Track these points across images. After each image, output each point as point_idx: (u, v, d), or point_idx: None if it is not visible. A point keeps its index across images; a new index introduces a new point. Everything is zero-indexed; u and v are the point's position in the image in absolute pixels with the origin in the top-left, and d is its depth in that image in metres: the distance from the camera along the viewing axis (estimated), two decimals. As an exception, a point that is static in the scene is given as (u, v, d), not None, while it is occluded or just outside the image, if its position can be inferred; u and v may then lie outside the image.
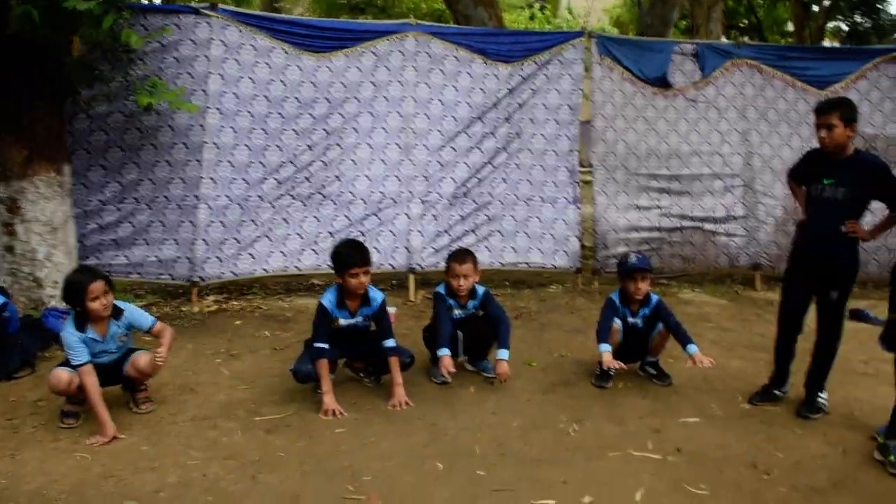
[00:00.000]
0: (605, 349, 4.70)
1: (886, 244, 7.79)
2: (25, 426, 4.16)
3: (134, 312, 4.30)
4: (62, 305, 5.90)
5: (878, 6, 12.72)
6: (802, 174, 4.64)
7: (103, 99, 6.53)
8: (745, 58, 8.11)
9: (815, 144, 4.45)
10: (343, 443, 3.98)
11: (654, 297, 4.97)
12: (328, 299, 4.52)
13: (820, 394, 4.54)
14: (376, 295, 4.65)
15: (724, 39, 18.08)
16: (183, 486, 3.49)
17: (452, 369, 4.60)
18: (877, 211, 4.74)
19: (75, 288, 4.04)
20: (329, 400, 4.34)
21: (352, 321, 4.62)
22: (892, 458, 3.77)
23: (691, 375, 5.05)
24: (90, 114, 6.55)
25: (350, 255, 4.43)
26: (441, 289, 4.97)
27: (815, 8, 14.38)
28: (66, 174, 6.08)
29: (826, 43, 15.68)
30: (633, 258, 4.91)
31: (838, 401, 4.68)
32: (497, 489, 3.50)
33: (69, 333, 4.05)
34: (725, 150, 8.06)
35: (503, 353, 4.72)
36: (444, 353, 4.63)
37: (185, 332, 5.97)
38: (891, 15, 13.28)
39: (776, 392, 4.71)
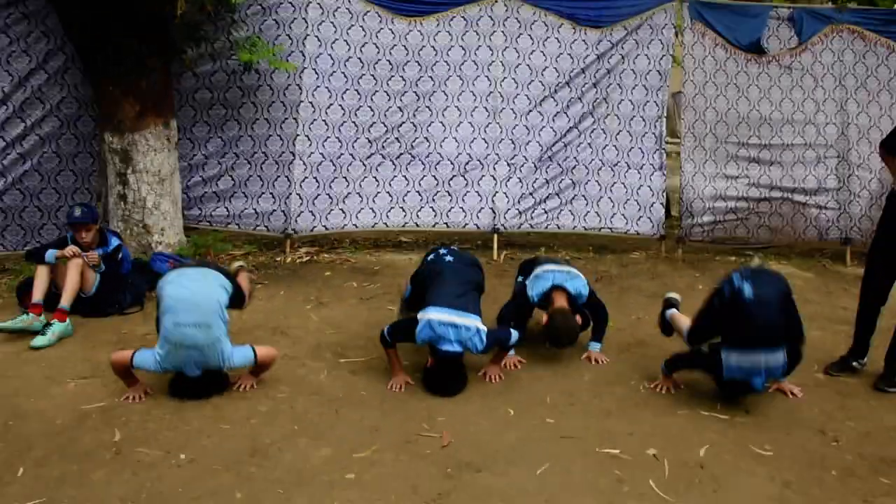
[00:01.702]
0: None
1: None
2: (136, 356, 4.59)
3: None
4: (168, 250, 6.38)
5: None
6: (898, 143, 4.55)
7: (208, 58, 6.91)
8: (846, 23, 7.84)
9: None
10: (422, 387, 4.23)
11: None
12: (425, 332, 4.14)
13: (900, 369, 4.51)
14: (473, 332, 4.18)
15: (830, 5, 17.27)
16: (271, 415, 3.82)
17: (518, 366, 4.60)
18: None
19: None
20: (398, 378, 4.29)
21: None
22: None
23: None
24: (196, 73, 6.95)
25: None
26: (534, 293, 4.74)
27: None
28: (173, 128, 6.50)
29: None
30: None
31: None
32: (564, 436, 3.69)
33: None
34: (820, 119, 7.84)
35: (594, 346, 4.82)
36: (511, 354, 4.59)
37: (280, 280, 6.35)
38: None
39: (854, 364, 4.68)
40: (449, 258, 4.62)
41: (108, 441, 3.53)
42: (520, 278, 5.09)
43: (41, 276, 5.07)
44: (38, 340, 4.72)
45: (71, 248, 5.11)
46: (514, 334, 4.38)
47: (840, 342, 5.07)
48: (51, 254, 5.11)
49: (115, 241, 5.50)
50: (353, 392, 4.15)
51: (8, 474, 3.22)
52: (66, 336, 4.89)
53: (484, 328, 4.18)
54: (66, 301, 4.97)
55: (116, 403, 3.92)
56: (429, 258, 4.76)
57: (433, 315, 4.10)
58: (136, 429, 3.65)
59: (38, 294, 5.01)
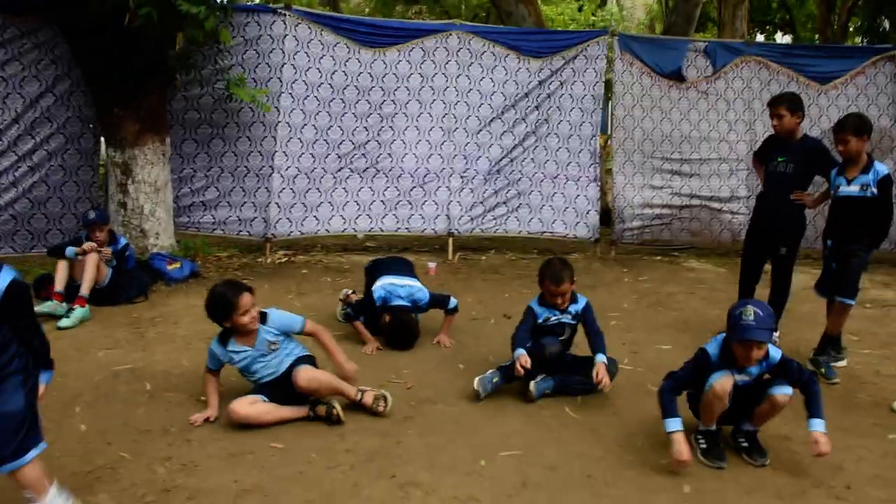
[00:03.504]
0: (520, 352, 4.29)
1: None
2: (149, 332, 5.50)
3: (281, 317, 4.11)
4: (163, 251, 7.26)
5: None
6: (763, 154, 5.70)
7: (196, 84, 7.85)
8: (753, 55, 9.08)
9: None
10: (391, 351, 5.22)
11: (777, 354, 3.58)
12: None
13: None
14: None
15: (760, 37, 18.76)
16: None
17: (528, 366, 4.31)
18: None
19: (223, 304, 3.88)
20: (370, 345, 5.30)
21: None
22: (822, 370, 4.92)
23: (669, 317, 6.18)
24: (186, 96, 7.89)
25: None
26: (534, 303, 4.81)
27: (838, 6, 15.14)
28: (167, 144, 7.43)
29: (853, 41, 16.35)
30: (748, 318, 3.36)
31: (790, 341, 5.67)
32: (503, 382, 4.69)
33: (212, 346, 4.06)
34: (732, 137, 9.07)
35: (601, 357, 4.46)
36: (520, 352, 4.36)
37: (262, 276, 7.29)
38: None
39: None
40: (384, 258, 6.01)
41: (141, 389, 4.43)
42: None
43: (62, 269, 5.92)
44: (64, 322, 5.58)
45: (89, 244, 5.98)
46: (453, 300, 5.46)
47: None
48: (70, 250, 5.97)
49: (123, 241, 6.40)
50: (334, 355, 5.10)
51: (69, 410, 4.11)
52: (85, 320, 5.75)
53: (426, 288, 5.44)
54: (85, 290, 5.83)
55: (142, 366, 4.81)
56: (368, 266, 5.95)
57: (385, 280, 5.42)
58: (162, 381, 4.55)
59: (59, 284, 5.87)
